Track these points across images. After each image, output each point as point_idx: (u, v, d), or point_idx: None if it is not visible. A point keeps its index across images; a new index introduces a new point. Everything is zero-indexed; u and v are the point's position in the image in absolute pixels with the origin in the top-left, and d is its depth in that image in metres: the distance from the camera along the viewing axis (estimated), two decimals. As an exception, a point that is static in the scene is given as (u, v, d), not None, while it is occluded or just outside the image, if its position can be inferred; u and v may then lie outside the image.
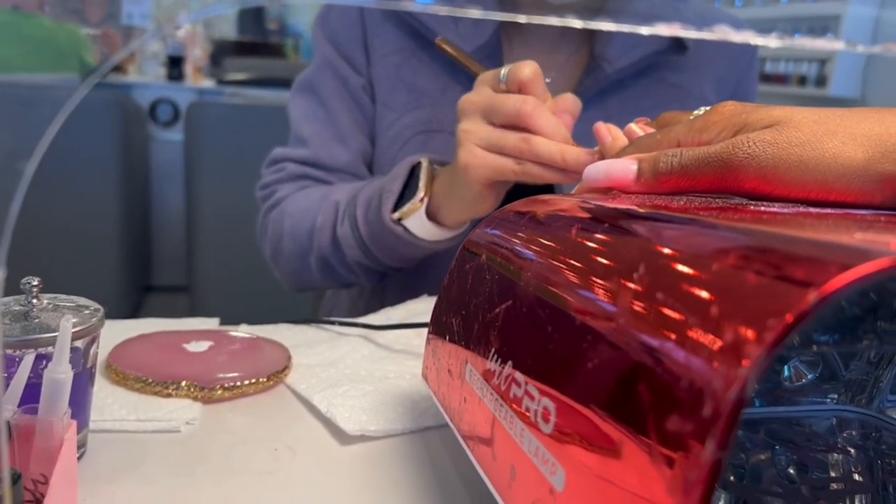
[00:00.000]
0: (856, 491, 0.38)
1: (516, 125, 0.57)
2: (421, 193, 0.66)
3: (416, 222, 0.67)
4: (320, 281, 0.80)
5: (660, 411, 0.20)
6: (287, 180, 0.82)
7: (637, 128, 0.48)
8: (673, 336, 0.21)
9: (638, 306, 0.24)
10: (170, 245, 2.58)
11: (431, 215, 0.68)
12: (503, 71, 0.59)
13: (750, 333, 0.18)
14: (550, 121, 0.57)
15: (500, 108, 0.58)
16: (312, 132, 0.81)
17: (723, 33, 0.20)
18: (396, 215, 0.67)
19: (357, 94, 0.80)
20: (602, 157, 0.52)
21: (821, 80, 2.93)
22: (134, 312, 2.30)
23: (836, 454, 0.40)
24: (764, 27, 3.15)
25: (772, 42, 0.19)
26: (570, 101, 0.60)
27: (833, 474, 0.39)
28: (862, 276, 0.18)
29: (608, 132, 0.52)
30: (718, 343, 0.19)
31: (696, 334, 0.20)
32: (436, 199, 0.67)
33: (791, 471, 0.39)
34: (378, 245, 0.70)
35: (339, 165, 0.80)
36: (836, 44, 0.19)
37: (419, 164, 0.68)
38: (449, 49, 0.67)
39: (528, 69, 0.58)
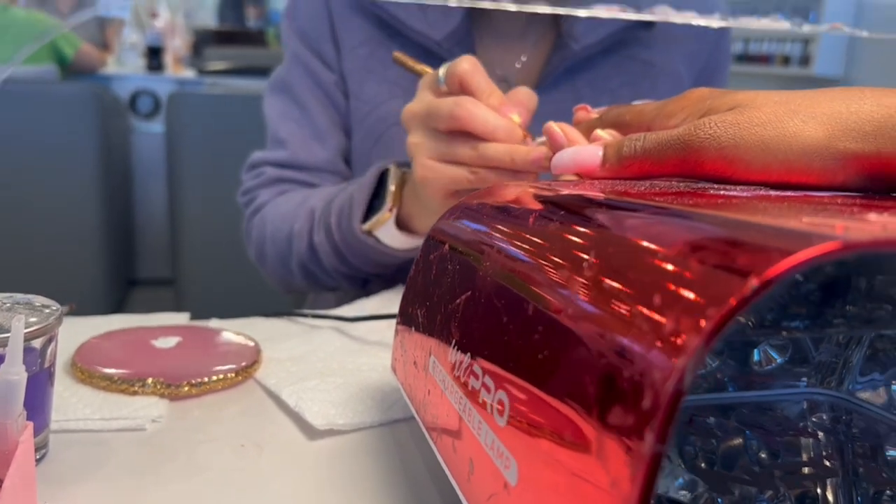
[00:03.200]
0: (827, 475, 0.38)
1: (459, 129, 0.54)
2: (388, 204, 0.64)
3: (387, 233, 0.66)
4: (305, 285, 0.79)
5: (604, 403, 0.20)
6: (267, 185, 0.81)
7: (605, 133, 0.46)
8: (617, 326, 0.21)
9: (585, 295, 0.23)
10: (154, 238, 2.56)
11: (403, 223, 0.66)
12: (441, 71, 0.56)
13: (689, 323, 0.18)
14: (489, 118, 0.52)
15: (437, 114, 0.54)
16: (289, 133, 0.79)
17: (663, 14, 0.19)
18: (366, 227, 0.65)
19: (330, 91, 0.78)
20: (553, 148, 0.50)
21: (804, 60, 2.92)
22: (118, 307, 2.28)
23: (807, 438, 0.39)
24: (745, 7, 3.14)
25: (714, 22, 0.19)
26: (524, 95, 0.56)
27: (804, 458, 0.39)
28: (802, 261, 0.17)
29: (560, 132, 0.48)
30: (659, 333, 0.19)
31: (639, 324, 0.20)
32: (406, 207, 0.65)
33: (763, 456, 0.39)
34: (353, 254, 0.69)
35: (318, 164, 0.79)
36: (780, 24, 0.19)
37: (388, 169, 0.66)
38: (403, 60, 0.63)
39: (465, 63, 0.54)
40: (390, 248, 0.66)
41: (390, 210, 0.64)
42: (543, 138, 0.50)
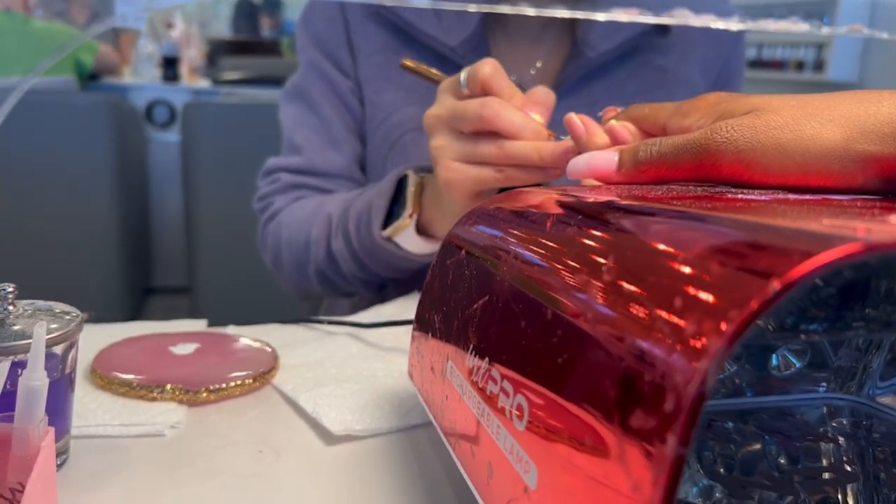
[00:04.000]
0: (847, 480, 0.38)
1: (485, 130, 0.54)
2: (409, 210, 0.65)
3: (407, 238, 0.66)
4: (322, 291, 0.80)
5: (624, 407, 0.20)
6: (282, 191, 0.81)
7: (618, 124, 0.46)
8: (638, 330, 0.21)
9: (604, 299, 0.23)
10: (170, 246, 2.58)
11: (423, 228, 0.66)
12: (462, 75, 0.56)
13: (711, 325, 0.18)
14: (516, 118, 0.53)
15: (463, 116, 0.55)
16: (305, 139, 0.80)
17: (682, 17, 0.19)
18: (386, 233, 0.66)
19: (346, 98, 0.79)
20: (577, 146, 0.50)
21: (818, 65, 2.91)
22: (135, 315, 2.30)
23: (827, 443, 0.39)
24: (760, 10, 3.13)
25: (733, 25, 0.19)
26: (543, 94, 0.56)
27: (825, 463, 0.39)
28: (824, 263, 0.17)
29: (580, 124, 0.49)
30: (680, 335, 0.19)
31: (660, 327, 0.20)
32: (426, 212, 0.65)
33: (782, 461, 0.38)
34: (373, 260, 0.70)
35: (334, 171, 0.79)
36: (799, 26, 0.19)
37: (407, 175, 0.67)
38: (415, 67, 0.64)
39: (487, 67, 0.55)
40: (411, 254, 0.67)
41: (410, 216, 0.65)
42: (569, 137, 0.51)
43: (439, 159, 0.58)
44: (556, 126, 0.55)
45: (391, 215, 0.67)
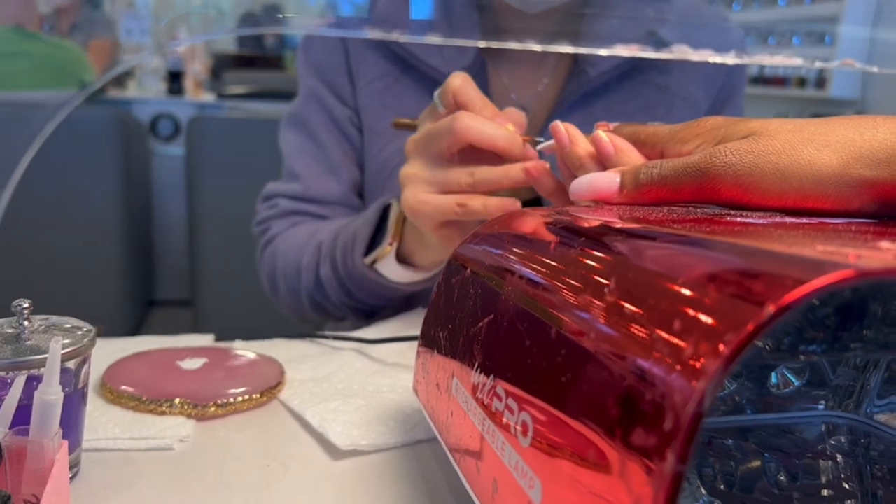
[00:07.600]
0: (846, 498, 0.38)
1: (459, 146, 0.54)
2: (389, 238, 0.65)
3: (388, 267, 0.67)
4: (316, 316, 0.81)
5: (626, 424, 0.21)
6: (280, 216, 0.82)
7: (604, 134, 0.46)
8: (638, 351, 0.21)
9: (607, 321, 0.24)
10: (172, 259, 2.59)
11: (405, 258, 0.67)
12: (436, 96, 0.56)
13: (708, 347, 0.19)
14: (487, 128, 0.53)
15: (436, 135, 0.55)
16: (304, 166, 0.81)
17: (681, 52, 0.20)
18: (368, 260, 0.67)
19: (344, 126, 0.80)
20: (557, 146, 0.49)
21: (820, 82, 2.93)
22: (137, 328, 2.30)
23: (825, 461, 0.40)
24: (762, 29, 3.15)
25: (729, 60, 0.20)
26: (515, 114, 0.56)
27: (823, 481, 0.39)
28: (817, 288, 0.18)
29: (564, 131, 0.48)
30: (679, 357, 0.20)
31: (659, 348, 0.21)
32: (407, 242, 0.65)
33: (781, 478, 0.39)
34: (358, 288, 0.70)
35: (331, 198, 0.80)
36: (793, 60, 0.20)
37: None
38: (408, 123, 0.63)
39: (457, 79, 0.55)
40: (392, 282, 0.67)
41: (390, 244, 0.65)
42: (551, 141, 0.51)
43: (407, 186, 0.57)
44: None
45: (376, 244, 0.68)
